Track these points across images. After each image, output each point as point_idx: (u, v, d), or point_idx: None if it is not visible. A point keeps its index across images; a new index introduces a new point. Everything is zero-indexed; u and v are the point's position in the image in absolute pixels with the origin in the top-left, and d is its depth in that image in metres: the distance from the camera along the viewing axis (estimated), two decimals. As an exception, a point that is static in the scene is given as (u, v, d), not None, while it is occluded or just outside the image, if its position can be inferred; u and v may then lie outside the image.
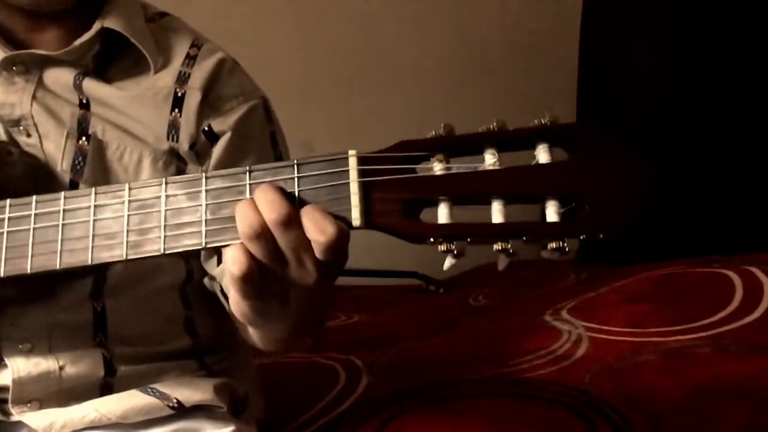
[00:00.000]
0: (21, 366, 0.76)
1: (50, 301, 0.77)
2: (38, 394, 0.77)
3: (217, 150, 0.81)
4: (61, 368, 0.77)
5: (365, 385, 1.18)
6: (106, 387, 0.80)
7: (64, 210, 0.61)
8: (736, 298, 1.29)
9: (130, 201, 0.59)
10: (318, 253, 0.53)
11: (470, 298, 1.94)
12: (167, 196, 0.58)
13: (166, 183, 0.59)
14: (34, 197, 0.63)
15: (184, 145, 0.80)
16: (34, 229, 0.62)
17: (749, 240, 1.69)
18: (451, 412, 1.02)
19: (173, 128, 0.80)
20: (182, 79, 0.81)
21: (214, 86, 0.82)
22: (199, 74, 0.82)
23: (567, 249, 0.53)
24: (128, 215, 0.59)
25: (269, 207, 0.53)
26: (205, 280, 0.85)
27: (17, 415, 0.76)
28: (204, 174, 0.58)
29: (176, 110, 0.80)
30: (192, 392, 0.81)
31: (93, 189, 0.61)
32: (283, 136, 0.89)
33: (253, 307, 0.56)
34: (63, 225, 0.61)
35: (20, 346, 0.76)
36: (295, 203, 0.55)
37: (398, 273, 2.25)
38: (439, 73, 2.66)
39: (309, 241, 0.53)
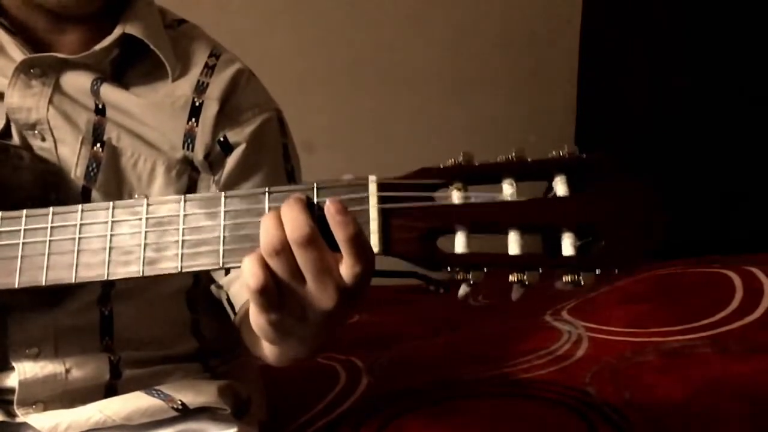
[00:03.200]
0: (27, 368, 0.76)
1: (58, 305, 0.76)
2: (43, 396, 0.77)
3: (231, 160, 0.81)
4: (67, 371, 0.77)
5: (365, 385, 1.18)
6: (110, 389, 0.80)
7: (80, 224, 0.61)
8: (736, 298, 1.30)
9: (147, 218, 0.59)
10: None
11: (470, 298, 1.94)
12: (185, 215, 0.58)
13: (185, 201, 0.59)
14: (51, 209, 0.62)
15: (198, 155, 0.80)
16: (50, 241, 0.61)
17: (749, 240, 1.69)
18: (451, 412, 1.02)
19: (189, 137, 0.80)
20: (200, 88, 0.81)
21: (231, 97, 0.82)
22: (217, 85, 0.81)
23: (582, 282, 0.53)
24: (145, 231, 0.59)
25: (292, 225, 0.53)
26: (212, 288, 0.85)
27: (22, 416, 0.76)
28: (223, 194, 0.58)
29: (193, 119, 0.80)
30: (196, 394, 0.81)
31: (111, 203, 0.60)
32: (295, 149, 0.89)
33: (270, 321, 0.56)
34: (79, 238, 0.60)
35: (27, 351, 0.76)
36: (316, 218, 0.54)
37: (398, 273, 2.24)
38: (439, 74, 2.66)
39: (330, 264, 0.53)
